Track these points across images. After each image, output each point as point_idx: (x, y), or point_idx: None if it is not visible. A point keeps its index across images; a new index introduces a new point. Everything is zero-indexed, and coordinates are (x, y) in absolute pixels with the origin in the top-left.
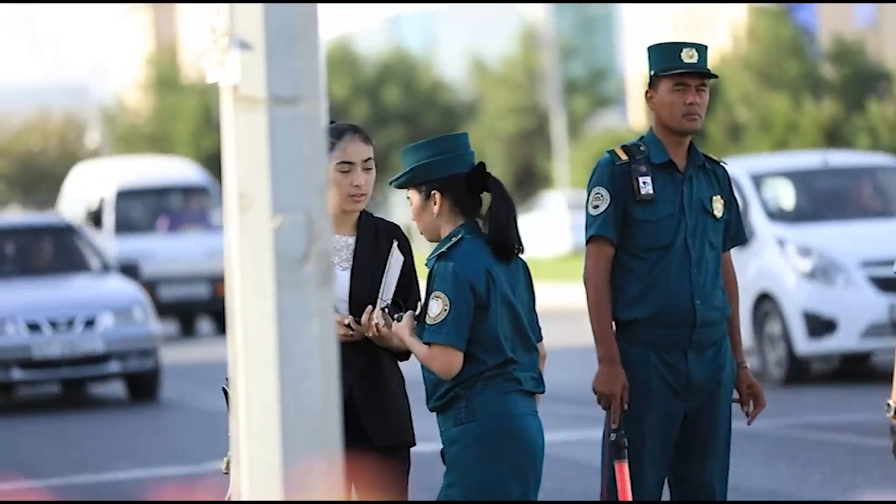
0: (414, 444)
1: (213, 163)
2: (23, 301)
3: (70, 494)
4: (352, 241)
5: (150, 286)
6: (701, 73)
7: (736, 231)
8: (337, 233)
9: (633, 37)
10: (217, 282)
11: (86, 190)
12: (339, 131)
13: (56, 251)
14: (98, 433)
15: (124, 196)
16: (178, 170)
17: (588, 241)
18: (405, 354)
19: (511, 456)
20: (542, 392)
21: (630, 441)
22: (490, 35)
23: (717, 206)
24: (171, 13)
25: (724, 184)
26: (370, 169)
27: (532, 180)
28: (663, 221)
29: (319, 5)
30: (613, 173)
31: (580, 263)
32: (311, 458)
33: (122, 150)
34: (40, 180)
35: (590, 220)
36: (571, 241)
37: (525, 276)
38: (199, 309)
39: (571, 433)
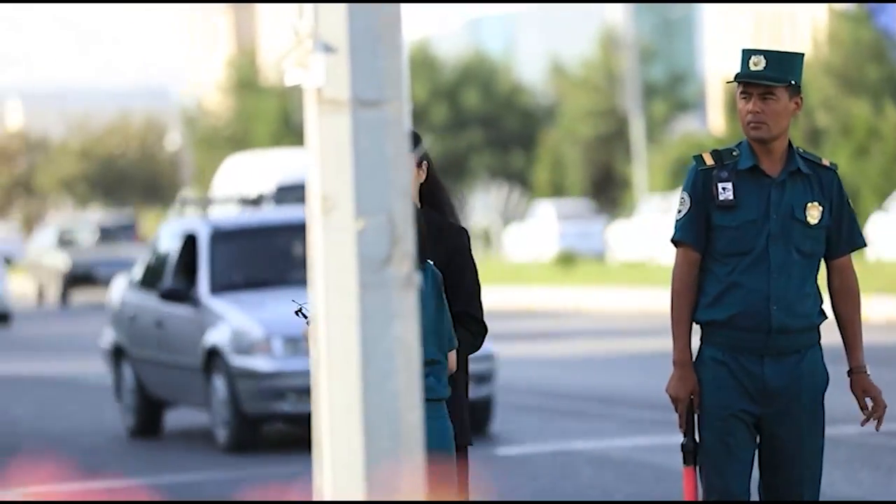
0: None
1: None
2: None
3: (164, 494)
4: None
5: None
6: (762, 81)
7: (850, 235)
8: None
9: (714, 40)
10: None
11: (242, 184)
12: None
13: None
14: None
15: (284, 192)
16: (287, 165)
17: (675, 245)
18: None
19: None
20: (439, 398)
21: (705, 444)
22: (570, 38)
23: (813, 213)
24: (251, 15)
25: (828, 189)
26: None
27: (611, 184)
28: (744, 227)
29: (402, 7)
30: (696, 178)
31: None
32: (394, 458)
33: (201, 153)
34: (121, 182)
35: (674, 225)
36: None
37: (432, 287)
38: None
39: (651, 438)
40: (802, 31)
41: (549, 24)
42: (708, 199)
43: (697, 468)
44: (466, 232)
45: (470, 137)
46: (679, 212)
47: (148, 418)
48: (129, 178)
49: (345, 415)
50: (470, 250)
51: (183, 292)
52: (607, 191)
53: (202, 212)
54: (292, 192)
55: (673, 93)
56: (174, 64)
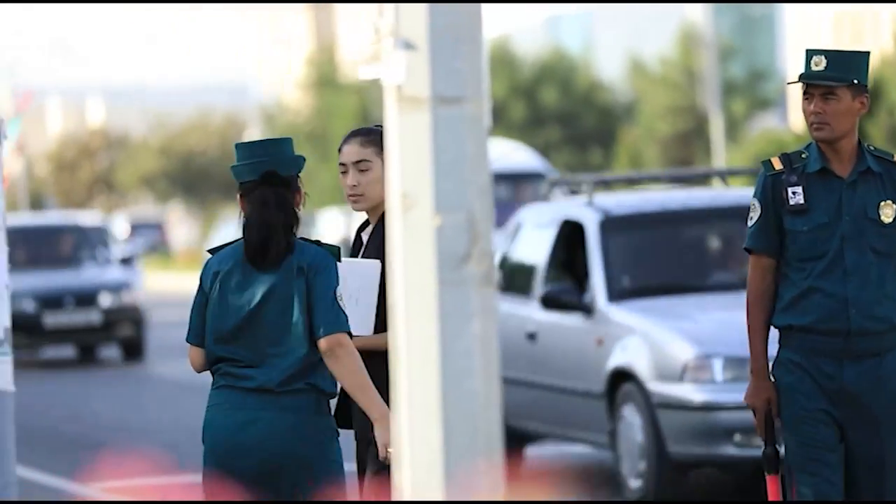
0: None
1: None
2: None
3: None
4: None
5: None
6: (822, 82)
7: None
8: (367, 233)
9: (795, 37)
10: None
11: None
12: (344, 136)
13: None
14: None
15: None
16: (511, 154)
17: (748, 253)
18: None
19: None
20: (266, 389)
21: (790, 449)
22: (649, 35)
23: (886, 212)
24: (331, 13)
25: None
26: (365, 170)
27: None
28: (816, 231)
29: (482, 5)
30: (765, 184)
31: None
32: (472, 457)
33: None
34: (201, 179)
35: (747, 233)
36: None
37: (299, 287)
38: None
39: None
40: (884, 29)
41: (627, 21)
42: (779, 205)
43: (780, 476)
44: None
45: (548, 135)
46: (750, 219)
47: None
48: (208, 174)
49: (423, 413)
50: None
51: (572, 298)
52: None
53: (585, 194)
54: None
55: (753, 90)
56: (254, 61)
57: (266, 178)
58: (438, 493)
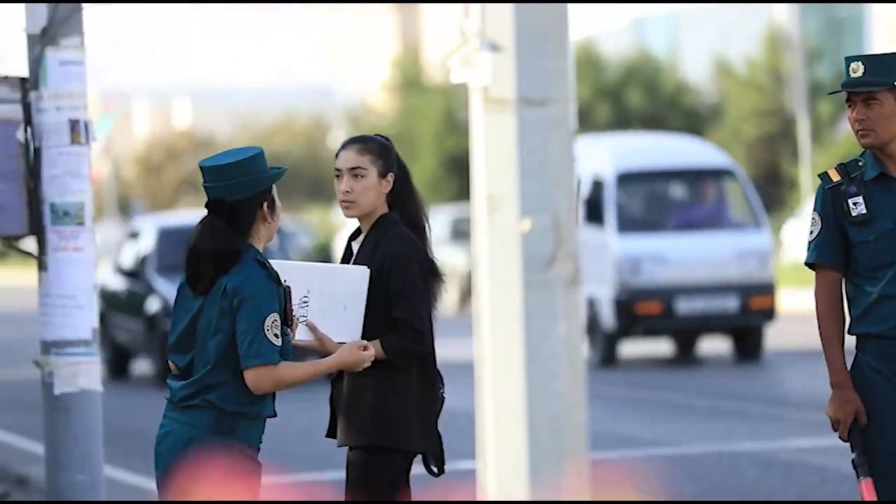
0: (376, 446)
1: (455, 164)
2: None
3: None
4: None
5: (665, 297)
6: (860, 88)
7: None
8: (359, 241)
9: (883, 39)
10: (750, 293)
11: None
12: (342, 143)
13: None
14: None
15: (627, 181)
16: (692, 150)
17: (810, 268)
18: (382, 359)
19: None
20: (173, 401)
21: (875, 456)
22: (735, 37)
23: None
24: (416, 15)
25: None
26: (360, 177)
27: (778, 184)
28: (882, 238)
29: (568, 6)
30: (824, 197)
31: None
32: (558, 459)
33: None
34: (286, 180)
35: (807, 247)
36: None
37: (222, 310)
38: (720, 326)
39: (817, 440)
40: None
41: (713, 23)
42: (840, 217)
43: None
44: (408, 238)
45: None
46: (811, 233)
47: None
48: (294, 176)
49: (509, 415)
50: (404, 256)
51: None
52: (774, 191)
53: None
54: (636, 180)
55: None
56: (339, 63)
57: (208, 205)
58: (524, 494)
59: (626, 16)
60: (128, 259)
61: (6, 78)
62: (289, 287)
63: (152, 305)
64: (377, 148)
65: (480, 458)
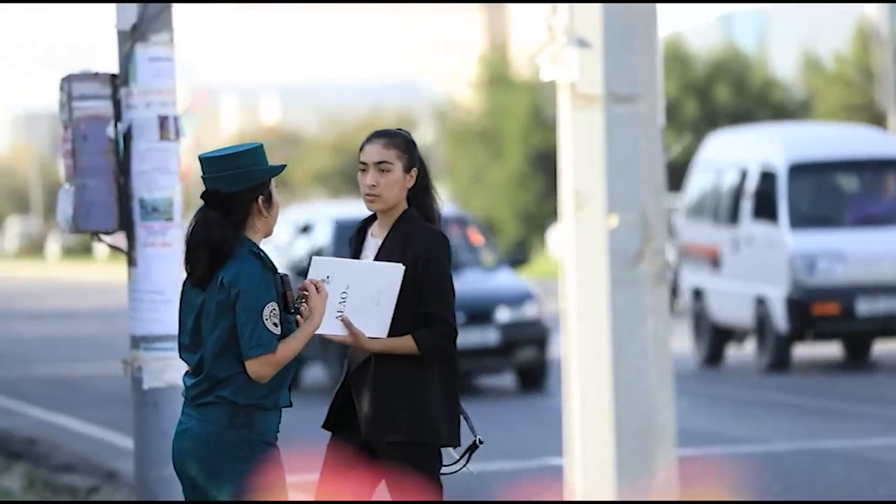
0: (414, 441)
1: (542, 160)
2: None
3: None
4: (380, 243)
5: (844, 297)
6: None
7: None
8: (376, 235)
9: None
10: None
11: (733, 160)
12: (367, 136)
13: None
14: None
15: (799, 172)
16: (869, 139)
17: None
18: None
19: None
20: (188, 399)
21: None
22: (825, 32)
23: None
24: (503, 11)
25: None
26: (386, 171)
27: None
28: None
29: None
30: None
31: None
32: (645, 457)
33: (452, 147)
34: None
35: None
36: None
37: (215, 300)
38: None
39: None
40: None
41: (802, 18)
42: None
43: None
44: (442, 235)
45: None
46: None
47: None
48: None
49: (596, 412)
50: (440, 253)
51: None
52: None
53: None
54: (809, 171)
55: None
56: (426, 59)
57: (203, 196)
58: (611, 493)
59: (714, 11)
60: (301, 255)
61: (97, 74)
62: (286, 275)
63: None
64: (403, 143)
65: (567, 456)
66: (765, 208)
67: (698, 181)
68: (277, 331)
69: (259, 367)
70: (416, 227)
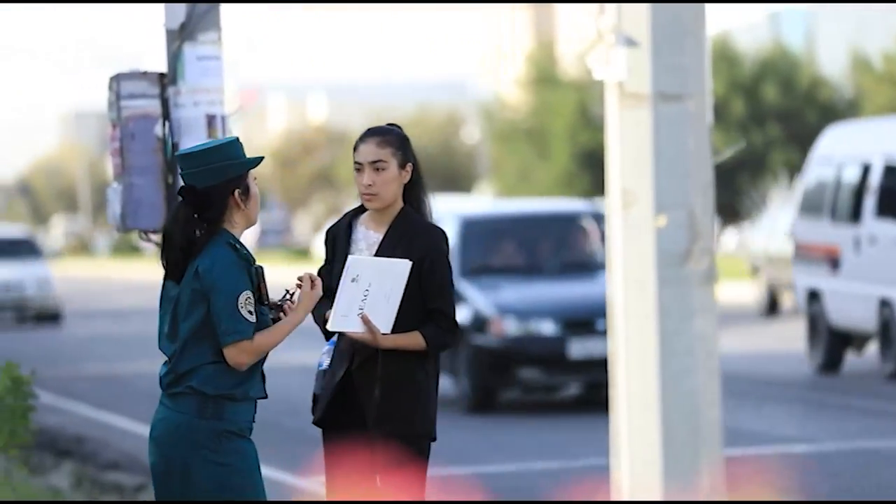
0: (417, 435)
1: (588, 159)
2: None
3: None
4: (380, 238)
5: None
6: None
7: None
8: (370, 228)
9: None
10: None
11: (854, 154)
12: (360, 135)
13: None
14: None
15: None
16: None
17: None
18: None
19: None
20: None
21: None
22: (873, 31)
23: None
24: (550, 10)
25: None
26: (381, 170)
27: None
28: None
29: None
30: None
31: None
32: (693, 457)
33: (499, 146)
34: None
35: None
36: None
37: (190, 286)
38: None
39: None
40: None
41: (850, 17)
42: None
43: None
44: (442, 232)
45: (769, 132)
46: None
47: None
48: (428, 170)
49: (643, 411)
50: (444, 249)
51: None
52: None
53: None
54: None
55: None
56: (473, 58)
57: (180, 192)
58: (658, 492)
59: (762, 10)
60: None
61: (145, 73)
62: (261, 267)
63: (459, 316)
64: (396, 140)
65: (614, 455)
66: (890, 205)
67: (814, 177)
68: (253, 319)
69: (236, 354)
70: (417, 224)
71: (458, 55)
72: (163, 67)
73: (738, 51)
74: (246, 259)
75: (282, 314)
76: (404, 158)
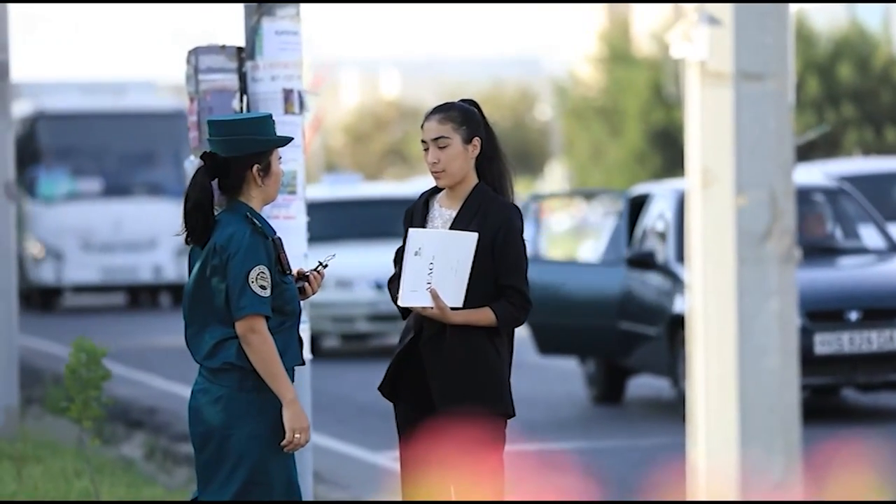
0: (487, 415)
1: (661, 138)
2: None
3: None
4: (453, 214)
5: None
6: None
7: None
8: (445, 206)
9: None
10: None
11: None
12: (426, 113)
13: None
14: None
15: None
16: None
17: None
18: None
19: None
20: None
21: None
22: None
23: None
24: None
25: None
26: (444, 147)
27: None
28: None
29: None
30: None
31: None
32: (769, 436)
33: (571, 123)
34: None
35: None
36: None
37: (205, 258)
38: None
39: None
40: None
41: None
42: None
43: None
44: (516, 208)
45: (843, 113)
46: None
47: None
48: None
49: (720, 390)
50: (518, 226)
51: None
52: None
53: None
54: None
55: None
56: (547, 35)
57: (203, 157)
58: (734, 472)
59: None
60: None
61: (223, 47)
62: (279, 239)
63: (676, 305)
64: (458, 115)
65: (691, 434)
66: None
67: None
68: (264, 293)
69: (244, 330)
70: (491, 201)
71: (532, 31)
72: (241, 41)
73: (813, 30)
74: (262, 232)
75: (306, 284)
76: (470, 133)
